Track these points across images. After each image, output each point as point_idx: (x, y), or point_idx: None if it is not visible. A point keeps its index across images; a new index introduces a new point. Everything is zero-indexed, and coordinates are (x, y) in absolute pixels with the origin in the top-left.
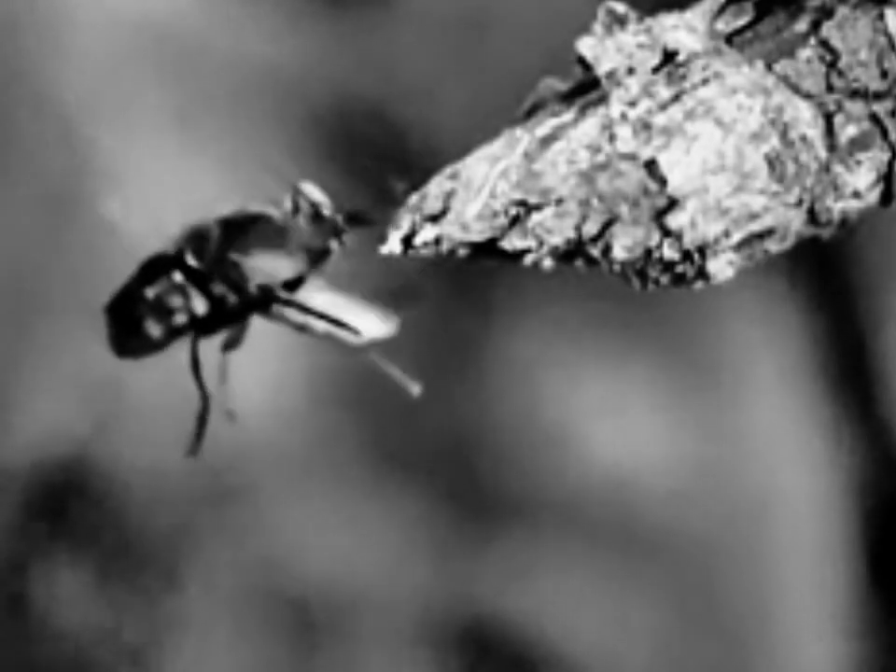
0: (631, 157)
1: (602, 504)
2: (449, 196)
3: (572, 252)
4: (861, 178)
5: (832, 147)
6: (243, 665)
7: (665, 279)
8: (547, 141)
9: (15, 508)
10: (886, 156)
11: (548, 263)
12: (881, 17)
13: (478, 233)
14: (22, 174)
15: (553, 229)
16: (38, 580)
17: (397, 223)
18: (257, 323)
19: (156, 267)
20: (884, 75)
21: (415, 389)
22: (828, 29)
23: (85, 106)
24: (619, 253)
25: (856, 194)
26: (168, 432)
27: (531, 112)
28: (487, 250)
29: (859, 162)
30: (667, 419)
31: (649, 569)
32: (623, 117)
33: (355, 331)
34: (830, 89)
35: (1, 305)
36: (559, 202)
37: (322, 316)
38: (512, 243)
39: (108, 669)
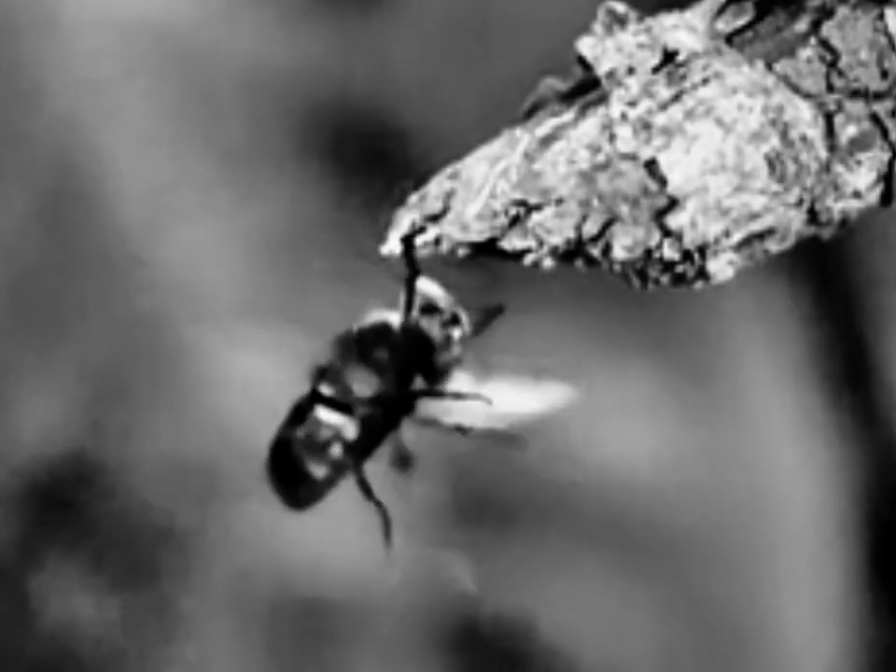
0: (631, 157)
1: (601, 503)
2: (449, 196)
3: (572, 252)
4: (862, 178)
5: (832, 147)
6: (245, 665)
7: (665, 279)
8: (547, 141)
9: (15, 506)
10: (886, 156)
11: (548, 263)
12: (881, 17)
13: (478, 233)
14: (21, 173)
15: (553, 229)
16: (38, 580)
17: (397, 223)
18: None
19: (300, 409)
20: (884, 75)
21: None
22: (828, 29)
23: (82, 105)
24: (619, 253)
25: (856, 194)
26: (172, 431)
27: (531, 112)
28: (487, 250)
29: (859, 162)
30: (667, 419)
31: (647, 568)
32: (624, 117)
33: (487, 400)
34: (830, 89)
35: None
36: (559, 202)
37: (456, 395)
38: (512, 243)
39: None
